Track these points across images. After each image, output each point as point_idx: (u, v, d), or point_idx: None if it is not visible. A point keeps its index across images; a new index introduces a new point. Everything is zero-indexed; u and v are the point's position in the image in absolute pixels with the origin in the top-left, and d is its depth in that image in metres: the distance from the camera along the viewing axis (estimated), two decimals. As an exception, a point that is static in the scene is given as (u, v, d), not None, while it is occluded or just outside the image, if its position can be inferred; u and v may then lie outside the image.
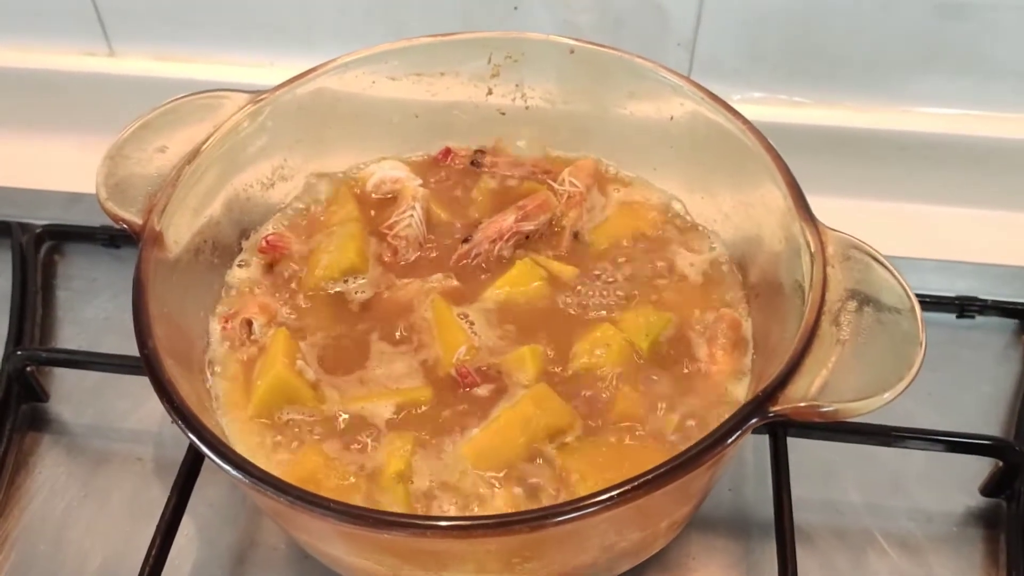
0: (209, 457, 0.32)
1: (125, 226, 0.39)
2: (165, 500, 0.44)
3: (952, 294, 0.54)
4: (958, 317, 0.54)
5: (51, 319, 0.55)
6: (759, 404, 0.32)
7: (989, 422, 0.50)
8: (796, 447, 0.46)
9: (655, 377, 0.37)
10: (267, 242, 0.40)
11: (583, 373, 0.36)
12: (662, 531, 0.37)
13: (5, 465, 0.49)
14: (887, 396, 0.33)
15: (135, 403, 0.52)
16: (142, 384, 0.49)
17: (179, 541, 0.44)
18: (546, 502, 0.33)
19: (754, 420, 0.32)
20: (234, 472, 0.31)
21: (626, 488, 0.30)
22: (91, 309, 0.56)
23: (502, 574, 0.33)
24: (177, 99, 0.43)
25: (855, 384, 0.34)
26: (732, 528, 0.47)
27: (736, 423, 0.31)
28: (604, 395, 0.36)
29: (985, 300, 0.54)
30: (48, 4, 0.59)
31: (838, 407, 0.32)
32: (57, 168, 0.62)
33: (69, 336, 0.55)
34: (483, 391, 0.35)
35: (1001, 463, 0.46)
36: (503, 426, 0.34)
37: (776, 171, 0.37)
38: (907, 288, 0.35)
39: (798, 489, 0.45)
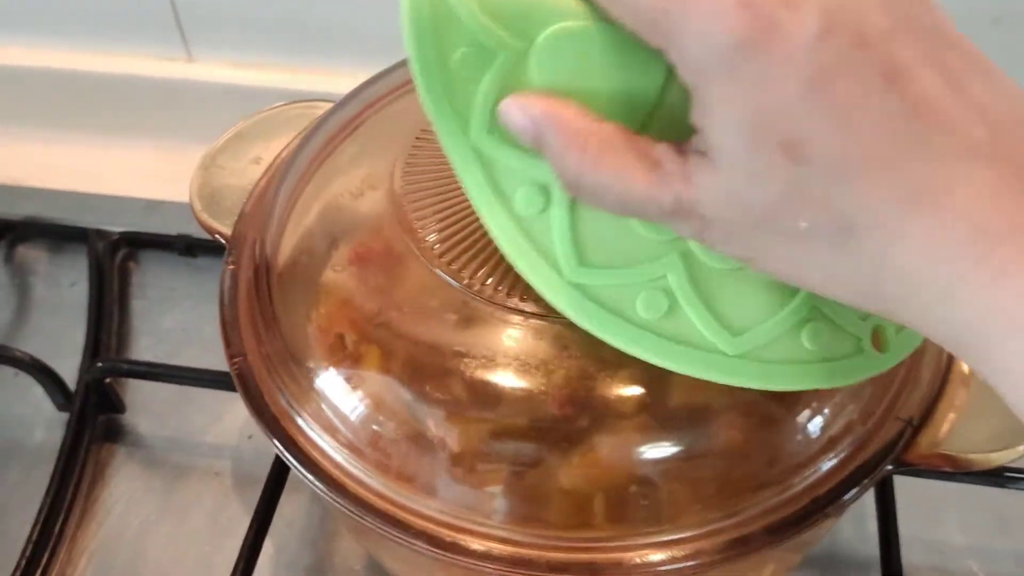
0: (298, 471, 0.31)
1: (221, 238, 0.38)
2: (244, 516, 0.43)
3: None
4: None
5: (127, 329, 0.55)
6: (893, 455, 0.30)
7: None
8: (901, 486, 0.44)
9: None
10: (356, 253, 0.39)
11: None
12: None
13: (83, 477, 0.48)
14: (1021, 451, 0.31)
15: (213, 417, 0.51)
16: (220, 398, 0.50)
17: (260, 561, 0.43)
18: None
19: (887, 469, 0.30)
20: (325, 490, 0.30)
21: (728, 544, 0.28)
22: (169, 320, 0.55)
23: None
24: (270, 108, 0.42)
25: (986, 429, 0.32)
26: (830, 568, 0.45)
27: (865, 474, 0.30)
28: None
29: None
30: (127, 10, 0.58)
31: (974, 457, 0.31)
32: (134, 175, 0.62)
33: (146, 347, 0.54)
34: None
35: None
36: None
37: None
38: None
39: (903, 529, 0.43)
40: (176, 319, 0.55)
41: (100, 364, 0.48)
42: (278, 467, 0.45)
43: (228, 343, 0.34)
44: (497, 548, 0.29)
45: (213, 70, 0.60)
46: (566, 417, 0.29)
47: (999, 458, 0.31)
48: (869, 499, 0.44)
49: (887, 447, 0.30)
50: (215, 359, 0.46)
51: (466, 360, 0.30)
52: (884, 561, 0.41)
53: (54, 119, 0.63)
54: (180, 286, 0.57)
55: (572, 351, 0.30)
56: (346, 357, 0.32)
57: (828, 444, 0.30)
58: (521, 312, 0.30)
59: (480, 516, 0.30)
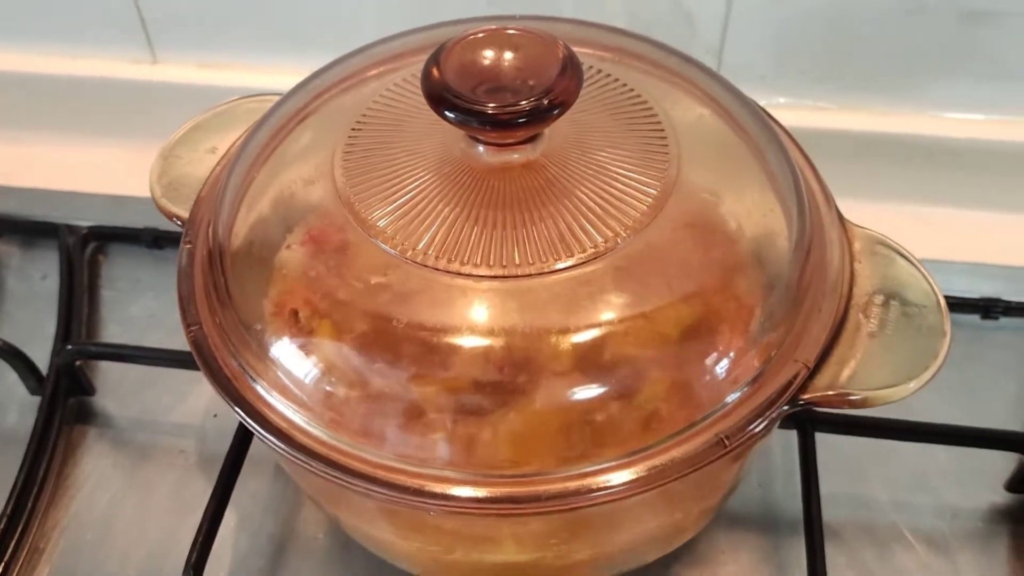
0: (254, 429, 0.33)
1: (178, 221, 0.41)
2: (208, 491, 0.45)
3: (977, 296, 0.55)
4: (983, 318, 0.55)
5: (97, 317, 0.57)
6: (790, 392, 0.33)
7: (1014, 419, 0.51)
8: (823, 445, 0.47)
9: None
10: (310, 235, 0.41)
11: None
12: (692, 518, 0.39)
13: (55, 456, 0.51)
14: (913, 385, 0.34)
15: (179, 397, 0.53)
16: (185, 378, 0.53)
17: (221, 531, 0.46)
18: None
19: (784, 408, 0.33)
20: (280, 445, 0.33)
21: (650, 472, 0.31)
22: (136, 308, 0.58)
23: (538, 551, 0.35)
24: (227, 102, 0.45)
25: (883, 375, 0.35)
26: (761, 523, 0.48)
27: (764, 410, 0.33)
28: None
29: (1009, 301, 0.54)
30: (94, 13, 0.61)
31: (866, 395, 0.34)
32: (102, 172, 0.64)
33: (115, 334, 0.57)
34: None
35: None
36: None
37: (805, 167, 0.39)
38: (932, 282, 0.36)
39: (826, 485, 0.46)
40: (143, 307, 0.58)
41: (70, 347, 0.50)
42: (240, 439, 0.47)
43: (184, 314, 0.37)
44: (447, 488, 0.32)
45: (177, 71, 0.63)
46: (506, 378, 0.32)
47: (892, 394, 0.34)
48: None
49: (785, 386, 0.33)
50: (180, 342, 0.48)
51: (412, 326, 0.33)
52: (806, 512, 0.44)
53: (24, 121, 0.66)
54: (146, 276, 0.59)
55: (510, 311, 0.33)
56: (299, 331, 0.34)
57: (731, 385, 0.33)
58: (462, 275, 0.33)
59: (428, 462, 0.32)
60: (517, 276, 0.33)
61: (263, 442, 0.34)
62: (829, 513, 0.45)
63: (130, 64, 0.63)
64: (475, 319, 0.32)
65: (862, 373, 0.34)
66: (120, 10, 0.60)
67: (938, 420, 0.47)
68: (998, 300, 0.55)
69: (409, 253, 0.34)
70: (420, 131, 0.37)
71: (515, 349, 0.32)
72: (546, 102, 0.33)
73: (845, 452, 0.49)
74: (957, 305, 0.55)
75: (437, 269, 0.33)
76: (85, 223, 0.60)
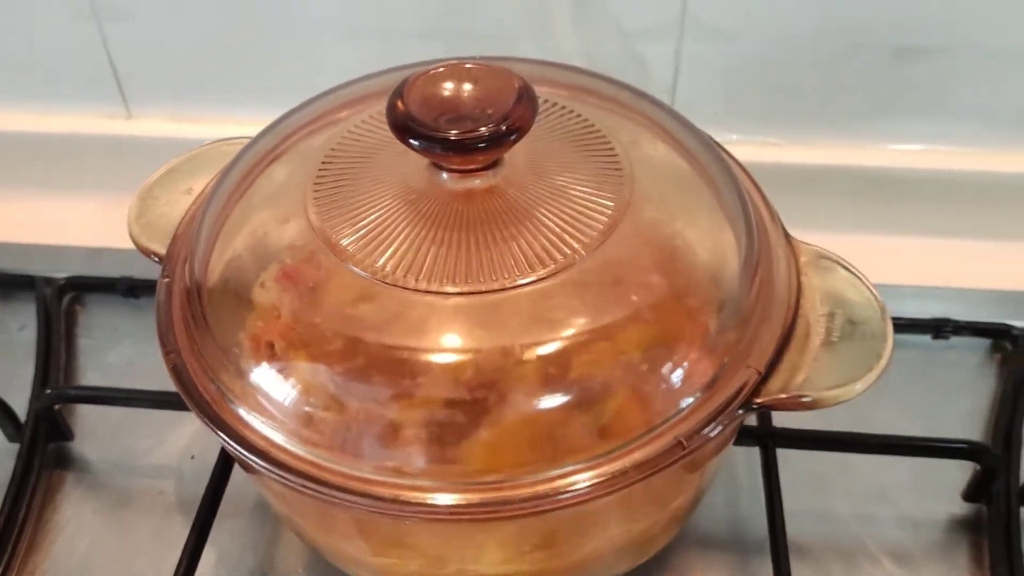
0: (233, 448, 0.35)
1: (156, 258, 0.42)
2: (186, 531, 0.46)
3: (927, 316, 0.57)
4: (934, 338, 0.57)
5: (74, 364, 0.58)
6: (743, 395, 0.35)
7: (968, 433, 0.53)
8: (786, 463, 0.49)
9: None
10: (284, 272, 0.42)
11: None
12: (660, 527, 0.40)
13: (33, 502, 0.51)
14: (859, 387, 0.36)
15: (156, 441, 0.54)
16: (163, 420, 0.54)
17: (202, 567, 0.46)
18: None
19: (739, 412, 0.35)
20: (260, 462, 0.34)
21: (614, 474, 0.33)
22: (113, 355, 0.59)
23: (515, 564, 0.36)
24: (203, 146, 0.46)
25: (832, 379, 0.37)
26: (729, 542, 0.49)
27: (720, 412, 0.34)
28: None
29: (958, 321, 0.57)
30: (69, 71, 0.63)
31: (816, 396, 0.35)
32: (78, 226, 0.65)
33: (93, 380, 0.57)
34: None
35: (979, 467, 0.49)
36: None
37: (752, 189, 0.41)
38: (872, 290, 0.39)
39: (790, 502, 0.47)
40: (120, 354, 0.59)
41: (49, 391, 0.51)
42: (218, 476, 0.48)
43: (163, 342, 0.38)
44: (422, 496, 0.33)
45: (151, 124, 0.65)
46: (474, 393, 0.33)
47: (840, 395, 0.35)
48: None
49: (738, 390, 0.35)
50: (158, 386, 0.49)
51: (384, 346, 0.34)
52: (771, 527, 0.46)
53: (0, 177, 0.67)
54: (123, 325, 0.60)
55: (476, 326, 0.34)
56: (275, 359, 0.36)
57: (688, 392, 0.35)
58: (430, 292, 0.34)
59: (404, 474, 0.33)
60: (482, 292, 0.34)
61: (243, 461, 0.35)
62: (794, 528, 0.47)
63: (105, 119, 0.65)
64: (443, 336, 0.34)
65: (812, 377, 0.36)
66: (95, 67, 0.62)
67: (890, 467, 0.50)
68: (947, 320, 0.57)
69: (378, 275, 0.35)
70: (386, 163, 0.39)
71: (482, 363, 0.34)
72: (504, 128, 0.35)
73: (807, 469, 0.51)
74: (908, 326, 0.57)
75: (406, 288, 0.35)
76: (62, 275, 0.61)
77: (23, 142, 0.65)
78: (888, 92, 0.59)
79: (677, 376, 0.35)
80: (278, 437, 0.35)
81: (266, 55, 0.61)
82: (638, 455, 0.33)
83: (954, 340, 0.57)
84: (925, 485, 0.51)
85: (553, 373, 0.34)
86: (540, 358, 0.34)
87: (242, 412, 0.36)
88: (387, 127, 0.38)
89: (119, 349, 0.59)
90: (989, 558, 0.48)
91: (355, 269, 0.35)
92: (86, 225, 0.65)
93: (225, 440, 0.35)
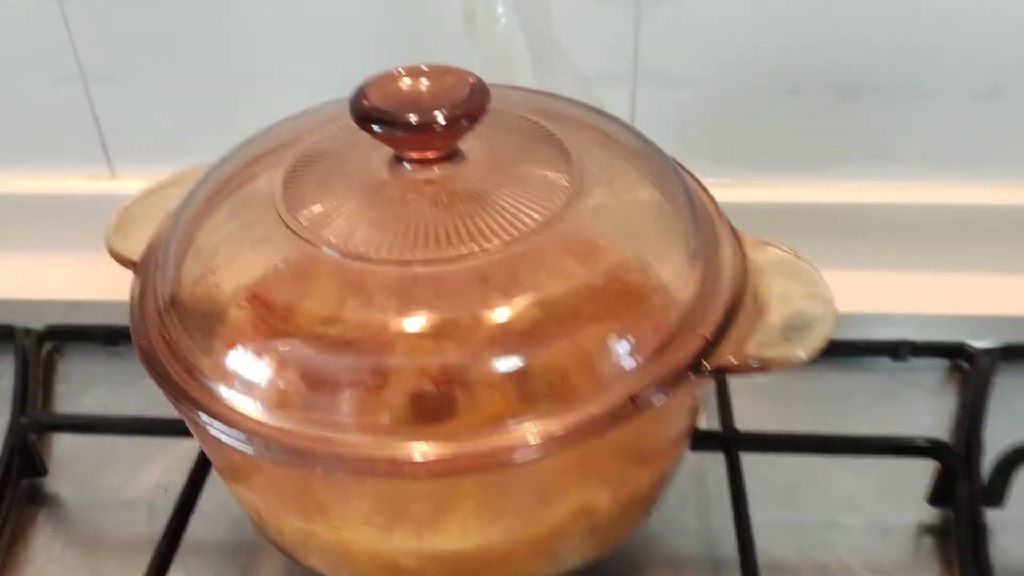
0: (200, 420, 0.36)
1: (132, 267, 0.44)
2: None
3: (885, 339, 0.59)
4: (893, 360, 0.59)
5: (50, 407, 0.59)
6: (693, 357, 0.36)
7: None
8: (754, 475, 0.49)
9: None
10: (253, 294, 0.44)
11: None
12: (618, 507, 0.40)
13: (2, 536, 0.51)
14: (802, 353, 0.37)
15: (129, 476, 0.55)
16: (137, 456, 0.54)
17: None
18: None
19: (691, 376, 0.36)
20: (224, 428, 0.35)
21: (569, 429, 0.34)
22: (89, 399, 0.59)
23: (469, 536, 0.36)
24: (181, 171, 0.49)
25: (778, 350, 0.38)
26: (700, 558, 0.50)
27: (670, 373, 0.36)
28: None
29: (915, 342, 0.59)
30: (56, 133, 0.66)
31: (763, 358, 0.37)
32: (59, 283, 0.67)
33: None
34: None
35: (941, 468, 0.49)
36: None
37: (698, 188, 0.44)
38: (814, 268, 0.41)
39: (760, 515, 0.48)
40: (96, 398, 0.59)
41: (24, 420, 0.52)
42: (186, 496, 0.49)
43: (136, 332, 0.40)
44: (385, 451, 0.34)
45: (135, 184, 0.67)
46: (437, 360, 0.35)
47: (786, 360, 0.37)
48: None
49: (688, 354, 0.36)
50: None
51: (354, 316, 0.36)
52: (739, 536, 0.46)
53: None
54: (100, 371, 0.61)
55: (438, 294, 0.36)
56: (247, 337, 0.37)
57: (640, 358, 0.36)
58: (393, 262, 0.36)
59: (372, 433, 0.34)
60: (440, 260, 0.36)
61: (209, 432, 0.36)
62: (764, 539, 0.47)
63: (88, 180, 0.68)
64: (404, 300, 0.36)
65: (761, 346, 0.38)
66: (81, 128, 0.65)
67: (856, 479, 0.51)
68: (906, 341, 0.59)
69: (344, 251, 0.37)
70: (352, 163, 0.41)
71: (440, 326, 0.35)
72: (459, 112, 0.37)
73: (775, 480, 0.52)
74: (867, 348, 0.59)
75: (371, 260, 0.36)
76: (42, 325, 0.62)
77: (5, 202, 0.68)
78: (836, 131, 0.62)
79: (627, 343, 0.36)
80: (251, 409, 0.36)
81: (249, 118, 0.64)
82: (592, 409, 0.34)
83: (913, 361, 0.59)
84: (893, 493, 0.52)
85: (507, 336, 0.35)
86: (493, 322, 0.35)
87: (214, 388, 0.37)
88: (352, 134, 0.41)
89: (95, 393, 0.60)
90: (959, 563, 0.48)
91: (325, 250, 0.37)
92: (67, 283, 0.67)
93: (194, 413, 0.36)
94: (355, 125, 0.40)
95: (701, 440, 0.50)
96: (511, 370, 0.35)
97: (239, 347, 0.37)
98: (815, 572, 0.49)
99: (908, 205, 0.64)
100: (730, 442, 0.49)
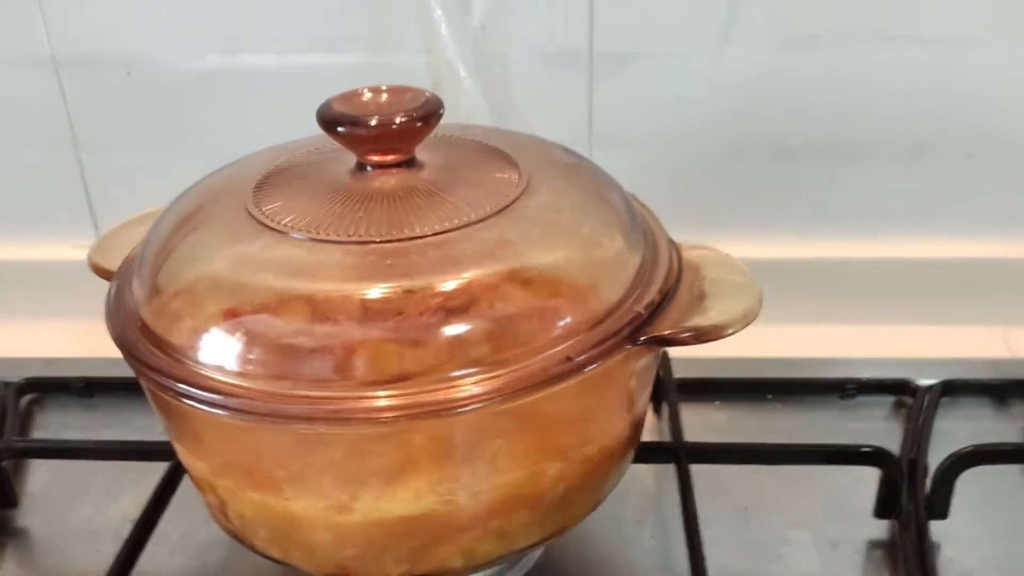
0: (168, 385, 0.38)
1: (108, 278, 0.47)
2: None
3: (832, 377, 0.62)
4: (841, 398, 0.62)
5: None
6: (628, 328, 0.39)
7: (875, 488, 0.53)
8: (705, 498, 0.51)
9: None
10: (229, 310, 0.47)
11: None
12: (563, 478, 0.42)
13: (-31, 564, 0.52)
14: (730, 324, 0.40)
15: (101, 508, 0.56)
16: (108, 489, 0.55)
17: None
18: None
19: (627, 346, 0.39)
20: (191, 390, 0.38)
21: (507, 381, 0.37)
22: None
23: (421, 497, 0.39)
24: (160, 207, 0.52)
25: (708, 322, 0.41)
26: (656, 570, 0.51)
27: (607, 338, 0.39)
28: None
29: (860, 379, 0.61)
30: (46, 203, 0.71)
31: (697, 328, 0.40)
32: (41, 345, 0.70)
33: (40, 464, 0.59)
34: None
35: (883, 477, 0.51)
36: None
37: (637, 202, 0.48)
38: (738, 262, 0.44)
39: (709, 531, 0.49)
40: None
41: (-1, 446, 0.53)
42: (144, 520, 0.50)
43: (111, 321, 0.42)
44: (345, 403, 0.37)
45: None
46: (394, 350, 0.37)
47: (720, 328, 0.40)
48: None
49: (623, 324, 0.39)
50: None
51: (319, 287, 0.39)
52: (690, 545, 0.48)
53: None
54: (76, 420, 0.63)
55: (390, 265, 0.39)
56: (219, 318, 0.39)
57: (581, 328, 0.39)
58: (352, 242, 0.39)
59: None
60: (396, 240, 0.39)
61: (184, 402, 0.38)
62: (717, 556, 0.49)
63: (73, 249, 0.71)
64: (364, 273, 0.39)
65: (696, 323, 0.41)
66: (72, 199, 0.70)
67: (803, 500, 0.53)
68: (851, 379, 0.61)
69: (311, 235, 0.40)
70: (318, 173, 0.45)
71: (393, 293, 0.38)
72: (415, 115, 0.42)
73: (726, 504, 0.53)
74: (814, 386, 0.62)
75: (334, 242, 0.40)
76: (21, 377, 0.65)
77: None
78: (773, 188, 0.67)
79: (567, 316, 0.39)
80: (223, 376, 0.38)
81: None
82: (531, 367, 0.37)
83: (861, 399, 0.62)
84: (842, 509, 0.53)
85: (453, 303, 0.38)
86: (445, 290, 0.38)
87: (189, 363, 0.39)
88: (319, 155, 0.46)
89: (70, 439, 0.61)
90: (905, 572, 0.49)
91: (293, 234, 0.40)
92: (48, 345, 0.70)
93: (168, 382, 0.38)
94: (322, 149, 0.44)
95: (652, 452, 0.52)
96: (461, 332, 0.38)
97: (209, 324, 0.39)
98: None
99: (847, 260, 0.68)
100: (679, 452, 0.51)
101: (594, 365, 0.39)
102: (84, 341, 0.70)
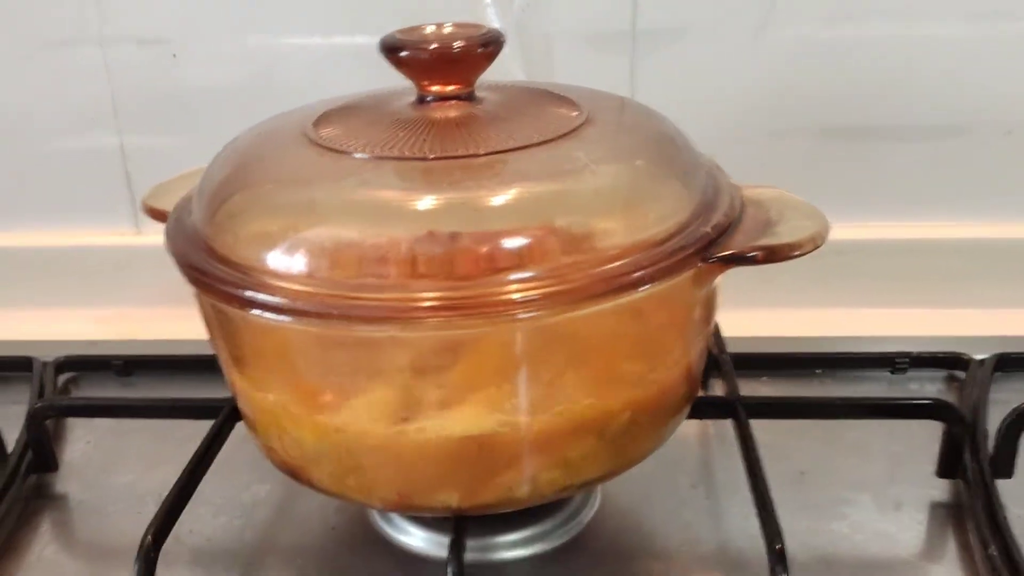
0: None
1: (163, 219, 0.46)
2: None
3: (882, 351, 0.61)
4: (892, 372, 0.60)
5: (63, 424, 0.59)
6: (698, 244, 0.39)
7: (932, 455, 0.52)
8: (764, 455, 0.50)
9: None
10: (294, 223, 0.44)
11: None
12: (625, 407, 0.41)
13: (5, 526, 0.51)
14: (799, 244, 0.40)
15: (139, 475, 0.55)
16: (149, 455, 0.55)
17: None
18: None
19: (699, 264, 0.39)
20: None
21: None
22: (101, 421, 0.60)
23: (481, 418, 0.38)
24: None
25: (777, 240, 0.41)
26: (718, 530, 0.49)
27: (677, 251, 0.38)
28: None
29: (913, 353, 0.60)
30: (87, 189, 0.71)
31: (764, 245, 0.39)
32: (81, 331, 0.70)
33: (80, 436, 0.58)
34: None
35: (946, 430, 0.50)
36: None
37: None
38: (799, 198, 0.44)
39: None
40: (109, 422, 0.60)
41: (40, 404, 0.52)
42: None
43: (171, 242, 0.42)
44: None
45: (157, 239, 0.71)
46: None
47: (797, 246, 0.39)
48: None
49: (692, 241, 0.39)
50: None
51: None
52: (757, 499, 0.46)
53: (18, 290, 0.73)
54: (113, 397, 0.62)
55: (458, 180, 0.39)
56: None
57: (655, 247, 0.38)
58: (414, 159, 0.39)
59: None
60: (464, 156, 0.39)
61: (251, 312, 0.38)
62: (779, 517, 0.47)
63: (114, 236, 0.71)
64: (429, 186, 0.39)
65: (764, 241, 0.40)
66: (114, 192, 0.70)
67: (864, 470, 0.52)
68: (904, 352, 0.60)
69: (375, 153, 0.40)
70: (378, 109, 0.45)
71: (461, 204, 0.38)
72: (476, 43, 0.42)
73: (780, 465, 0.52)
74: (865, 361, 0.61)
75: (398, 158, 0.40)
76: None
77: (28, 256, 0.72)
78: (816, 170, 0.67)
79: (637, 234, 0.39)
80: (291, 284, 0.37)
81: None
82: (601, 273, 0.37)
83: (911, 373, 0.61)
84: (905, 471, 0.52)
85: (520, 215, 0.37)
86: (508, 201, 0.38)
87: (254, 275, 0.38)
88: (377, 97, 0.46)
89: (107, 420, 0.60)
90: (976, 536, 0.48)
91: (356, 154, 0.40)
92: (88, 331, 0.69)
93: (234, 292, 0.38)
94: (379, 93, 0.44)
95: (709, 406, 0.51)
96: (527, 243, 0.37)
97: (275, 238, 0.39)
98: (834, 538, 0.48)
99: (886, 242, 0.68)
100: (737, 405, 0.50)
101: (664, 280, 0.38)
102: (121, 327, 0.70)
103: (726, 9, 0.64)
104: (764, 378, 0.61)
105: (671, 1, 0.64)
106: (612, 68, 0.66)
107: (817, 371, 0.61)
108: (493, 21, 0.65)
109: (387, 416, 0.38)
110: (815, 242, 0.40)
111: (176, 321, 0.62)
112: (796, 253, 0.40)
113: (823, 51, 0.65)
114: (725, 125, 0.67)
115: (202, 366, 0.60)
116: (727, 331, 0.59)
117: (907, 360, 0.60)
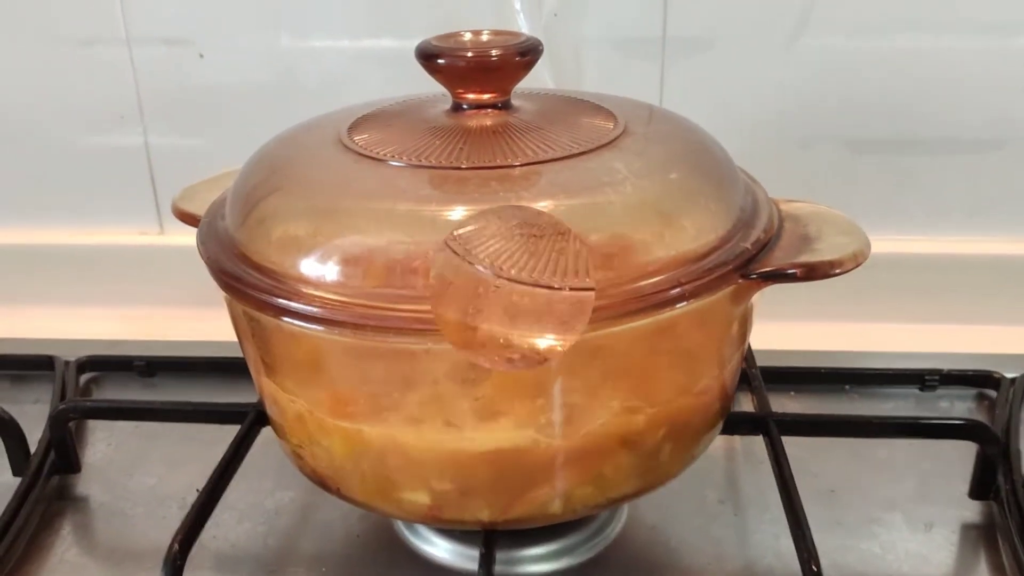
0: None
1: (195, 224, 0.46)
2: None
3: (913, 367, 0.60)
4: (921, 390, 0.60)
5: (84, 426, 0.59)
6: (737, 261, 0.38)
7: (963, 478, 0.51)
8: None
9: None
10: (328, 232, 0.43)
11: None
12: (657, 424, 0.40)
13: (26, 529, 0.50)
14: (848, 264, 0.39)
15: (160, 477, 0.54)
16: (171, 458, 0.54)
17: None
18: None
19: (738, 280, 0.38)
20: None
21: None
22: (123, 424, 0.60)
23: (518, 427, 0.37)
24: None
25: (816, 258, 0.40)
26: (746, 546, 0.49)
27: (715, 269, 0.38)
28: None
29: (943, 370, 0.59)
30: (111, 188, 0.71)
31: (802, 263, 0.39)
32: (103, 330, 0.70)
33: (101, 437, 0.58)
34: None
35: (980, 451, 0.49)
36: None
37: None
38: (840, 213, 0.43)
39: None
40: (132, 423, 0.60)
41: (63, 406, 0.52)
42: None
43: (204, 247, 0.42)
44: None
45: (181, 239, 0.70)
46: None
47: (838, 263, 0.39)
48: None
49: (732, 258, 0.38)
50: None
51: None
52: (791, 518, 0.45)
53: (36, 288, 0.73)
54: (137, 400, 0.62)
55: (496, 190, 0.38)
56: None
57: (692, 262, 0.38)
58: (452, 168, 0.39)
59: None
60: (502, 166, 0.39)
61: (284, 321, 0.37)
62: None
63: (138, 235, 0.71)
64: (467, 196, 0.38)
65: (804, 258, 0.40)
66: (139, 193, 0.70)
67: (896, 488, 0.51)
68: (934, 370, 0.59)
69: (412, 162, 0.40)
70: (413, 117, 0.44)
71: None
72: (513, 51, 0.41)
73: (810, 482, 0.51)
74: (894, 377, 0.60)
75: (435, 167, 0.39)
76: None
77: (51, 254, 0.71)
78: (843, 182, 0.66)
79: (675, 249, 0.38)
80: (324, 293, 0.37)
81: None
82: (641, 288, 0.36)
83: (941, 391, 0.60)
84: (935, 491, 0.51)
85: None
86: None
87: (287, 282, 0.38)
88: (411, 105, 0.45)
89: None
90: (1010, 557, 0.47)
91: (392, 162, 0.40)
92: (110, 330, 0.69)
93: (267, 300, 0.37)
94: (412, 100, 0.43)
95: (741, 422, 0.50)
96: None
97: (308, 245, 0.38)
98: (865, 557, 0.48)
99: (913, 256, 0.67)
100: (768, 421, 0.49)
101: (703, 296, 0.37)
102: (144, 327, 0.70)
103: (756, 19, 0.63)
104: (791, 393, 0.61)
105: (701, 9, 0.63)
106: (641, 75, 0.65)
107: (846, 387, 0.61)
108: (523, 27, 0.64)
109: (419, 428, 0.38)
110: (857, 260, 0.39)
111: (199, 322, 0.63)
112: (837, 271, 0.39)
113: (853, 62, 0.64)
114: (753, 135, 0.66)
115: (224, 368, 0.61)
116: (754, 344, 0.59)
117: (937, 378, 0.59)
